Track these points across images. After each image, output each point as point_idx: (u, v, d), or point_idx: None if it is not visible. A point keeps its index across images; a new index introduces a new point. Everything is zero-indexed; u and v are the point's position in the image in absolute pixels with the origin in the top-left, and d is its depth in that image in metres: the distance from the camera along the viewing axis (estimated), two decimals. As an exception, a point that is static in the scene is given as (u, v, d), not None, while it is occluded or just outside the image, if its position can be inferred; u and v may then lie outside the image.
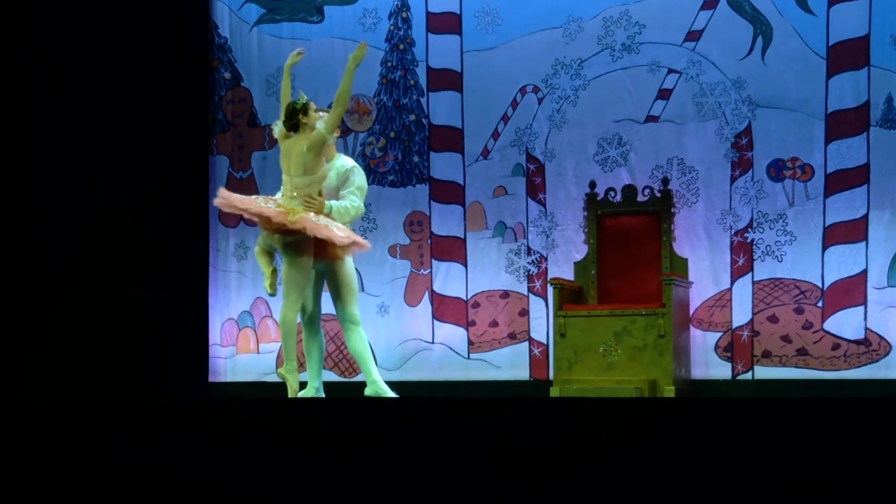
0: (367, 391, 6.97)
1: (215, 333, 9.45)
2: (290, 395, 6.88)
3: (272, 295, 7.09)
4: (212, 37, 9.60)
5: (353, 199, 7.06)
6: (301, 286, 6.88)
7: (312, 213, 6.81)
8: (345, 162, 7.20)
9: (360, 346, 7.06)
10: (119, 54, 9.30)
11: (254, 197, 7.22)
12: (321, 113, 7.04)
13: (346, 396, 7.58)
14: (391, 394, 6.95)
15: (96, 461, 5.28)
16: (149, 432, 5.35)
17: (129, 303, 9.05)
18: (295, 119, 6.92)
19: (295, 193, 6.82)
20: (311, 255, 6.87)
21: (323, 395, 7.11)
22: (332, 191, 7.06)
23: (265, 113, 9.43)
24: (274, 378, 8.97)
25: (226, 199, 7.03)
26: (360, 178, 7.14)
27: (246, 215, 7.20)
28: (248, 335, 9.40)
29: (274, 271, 7.01)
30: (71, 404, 6.15)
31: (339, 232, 6.84)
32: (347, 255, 7.02)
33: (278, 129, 7.03)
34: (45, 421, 5.41)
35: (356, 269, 7.25)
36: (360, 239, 7.01)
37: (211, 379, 9.36)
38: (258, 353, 9.35)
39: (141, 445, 5.27)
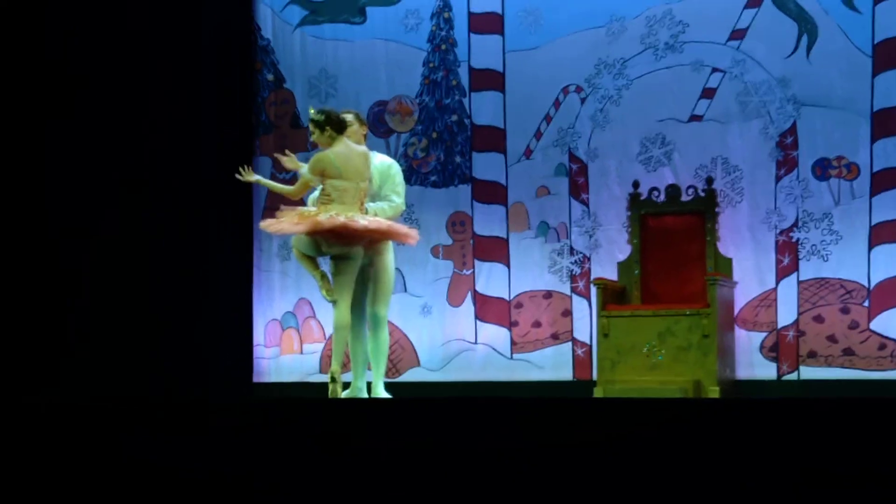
0: (348, 391, 7.01)
1: (259, 334, 9.49)
2: (337, 394, 6.89)
3: (333, 301, 6.95)
4: (255, 39, 9.64)
5: (394, 199, 7.11)
6: (352, 287, 6.95)
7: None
8: (384, 159, 7.25)
9: (373, 348, 7.09)
10: (164, 56, 9.35)
11: (299, 211, 7.06)
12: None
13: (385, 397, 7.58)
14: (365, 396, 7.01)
15: (136, 459, 5.32)
16: (193, 432, 5.38)
17: (174, 303, 9.11)
18: (339, 122, 6.96)
19: (359, 199, 6.90)
20: (361, 255, 6.95)
21: (366, 395, 7.12)
22: (376, 190, 7.12)
23: (307, 115, 9.44)
24: (317, 378, 9.01)
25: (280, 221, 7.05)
26: (401, 175, 7.22)
27: (337, 242, 6.89)
28: (292, 336, 9.43)
29: (324, 275, 7.02)
30: (115, 399, 6.19)
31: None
32: (390, 252, 7.07)
33: (301, 165, 7.04)
34: (83, 415, 5.45)
35: (398, 269, 7.27)
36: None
37: (255, 380, 9.40)
38: (301, 353, 9.37)
39: (183, 444, 5.30)
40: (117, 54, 9.24)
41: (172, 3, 9.41)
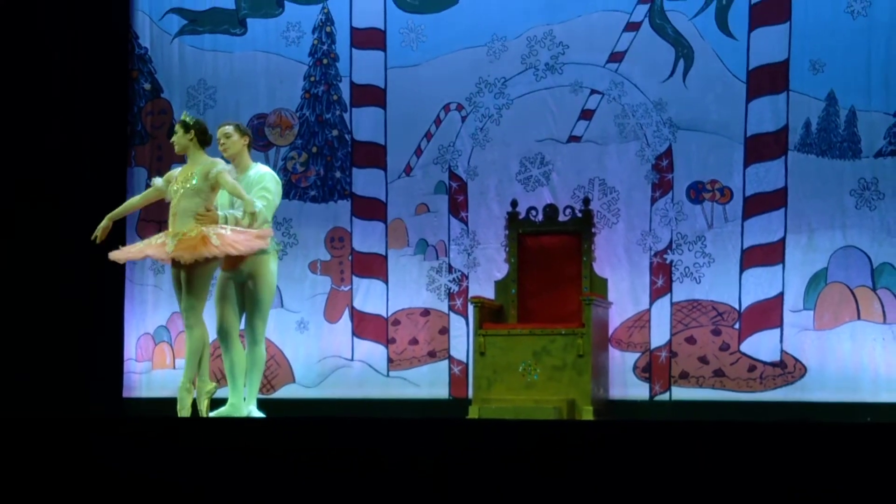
0: (222, 410, 6.86)
1: (130, 348, 9.30)
2: (204, 413, 6.77)
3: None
4: (132, 47, 9.47)
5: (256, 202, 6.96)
6: (205, 299, 6.85)
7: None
8: (263, 169, 7.08)
9: (248, 365, 6.91)
10: (38, 63, 9.13)
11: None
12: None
13: (252, 418, 7.48)
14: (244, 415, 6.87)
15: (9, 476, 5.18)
16: (62, 447, 5.26)
17: (43, 316, 8.88)
18: (204, 132, 6.90)
19: None
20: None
21: (243, 413, 6.96)
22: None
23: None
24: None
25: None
26: (273, 183, 6.98)
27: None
28: (165, 350, 9.27)
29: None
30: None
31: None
32: (267, 265, 6.89)
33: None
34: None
35: (276, 286, 7.12)
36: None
37: (125, 394, 9.21)
38: (174, 368, 9.20)
39: (55, 460, 5.18)
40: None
41: (48, 7, 9.20)
